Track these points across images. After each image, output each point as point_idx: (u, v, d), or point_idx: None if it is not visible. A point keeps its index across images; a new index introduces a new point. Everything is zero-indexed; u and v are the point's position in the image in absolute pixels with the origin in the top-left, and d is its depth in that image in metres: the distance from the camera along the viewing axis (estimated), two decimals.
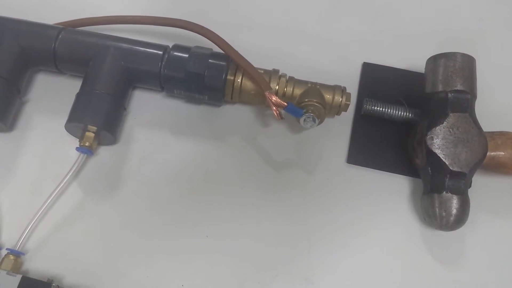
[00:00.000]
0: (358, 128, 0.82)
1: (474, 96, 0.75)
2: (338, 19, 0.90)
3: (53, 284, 0.67)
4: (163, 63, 0.76)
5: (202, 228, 0.74)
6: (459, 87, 0.73)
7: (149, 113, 0.81)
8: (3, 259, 0.68)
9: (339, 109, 0.76)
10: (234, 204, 0.76)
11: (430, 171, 0.73)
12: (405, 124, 0.79)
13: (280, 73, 0.77)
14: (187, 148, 0.79)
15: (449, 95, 0.73)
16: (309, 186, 0.78)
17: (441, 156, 0.71)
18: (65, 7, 0.87)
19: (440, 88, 0.74)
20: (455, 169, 0.71)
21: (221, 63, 0.75)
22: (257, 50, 0.81)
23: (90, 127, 0.72)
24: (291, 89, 0.76)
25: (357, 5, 0.92)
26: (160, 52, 0.76)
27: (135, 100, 0.81)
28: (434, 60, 0.76)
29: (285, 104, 0.71)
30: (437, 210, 0.71)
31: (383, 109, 0.78)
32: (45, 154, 0.77)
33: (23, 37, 0.77)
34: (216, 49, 0.77)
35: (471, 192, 0.73)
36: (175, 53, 0.76)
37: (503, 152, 0.74)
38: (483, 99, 0.77)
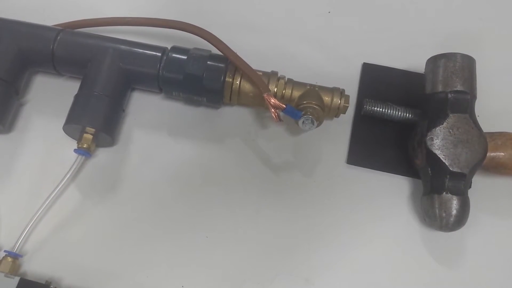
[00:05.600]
0: (358, 128, 0.81)
1: (474, 97, 0.74)
2: (338, 19, 0.90)
3: (51, 286, 0.67)
4: (162, 64, 0.75)
5: (202, 229, 0.74)
6: (459, 87, 0.73)
7: (148, 114, 0.81)
8: (1, 261, 0.68)
9: (337, 111, 0.76)
10: (234, 205, 0.76)
11: (430, 171, 0.73)
12: (405, 125, 0.79)
13: (279, 75, 0.77)
14: (185, 150, 0.79)
15: (449, 95, 0.73)
16: (309, 187, 0.78)
17: (441, 156, 0.71)
18: (63, 8, 0.87)
19: (440, 88, 0.74)
20: (455, 169, 0.71)
21: (219, 65, 0.75)
22: (255, 52, 0.81)
23: (88, 128, 0.72)
24: (290, 91, 0.76)
25: (357, 5, 0.91)
26: (159, 54, 0.76)
27: (133, 102, 0.81)
28: (434, 61, 0.76)
29: (284, 106, 0.71)
30: (437, 210, 0.71)
31: (383, 110, 0.78)
32: (43, 156, 0.77)
33: (21, 39, 0.77)
34: (215, 50, 0.76)
35: (471, 193, 0.73)
36: (174, 55, 0.76)
37: (503, 152, 0.73)
38: (483, 99, 0.77)
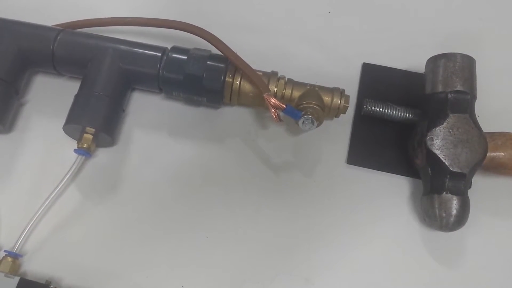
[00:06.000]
0: (358, 128, 0.81)
1: (474, 97, 0.74)
2: (338, 19, 0.90)
3: (51, 286, 0.67)
4: (162, 65, 0.75)
5: (202, 229, 0.74)
6: (459, 87, 0.73)
7: (148, 114, 0.81)
8: (1, 261, 0.68)
9: (337, 111, 0.76)
10: (234, 205, 0.76)
11: (430, 171, 0.73)
12: (405, 125, 0.79)
13: (279, 75, 0.77)
14: (186, 150, 0.79)
15: (449, 95, 0.73)
16: (309, 187, 0.78)
17: (441, 156, 0.71)
18: (63, 8, 0.87)
19: (440, 88, 0.74)
20: (455, 169, 0.71)
21: (219, 65, 0.75)
22: (255, 52, 0.81)
23: (88, 128, 0.72)
24: (290, 91, 0.76)
25: (357, 5, 0.91)
26: (159, 54, 0.76)
27: (133, 102, 0.81)
28: (434, 61, 0.76)
29: (284, 106, 0.71)
30: (437, 210, 0.71)
31: (383, 110, 0.78)
32: (44, 156, 0.77)
33: (21, 39, 0.77)
34: (215, 51, 0.76)
35: (471, 193, 0.73)
36: (174, 55, 0.76)
37: (503, 152, 0.73)
38: (483, 99, 0.77)
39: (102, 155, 0.78)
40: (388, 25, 0.90)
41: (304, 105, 0.74)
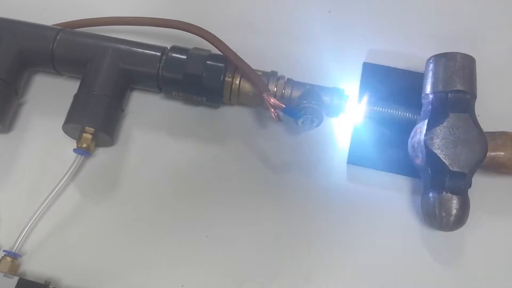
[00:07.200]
0: (358, 128, 0.81)
1: (474, 97, 0.74)
2: (338, 19, 0.90)
3: (51, 286, 0.67)
4: (161, 64, 0.76)
5: (201, 229, 0.74)
6: (459, 87, 0.73)
7: (147, 114, 0.81)
8: (0, 261, 0.68)
9: (337, 111, 0.76)
10: (234, 205, 0.76)
11: (430, 171, 0.73)
12: (406, 124, 0.79)
13: (278, 75, 0.77)
14: (185, 150, 0.79)
15: (449, 95, 0.73)
16: (309, 186, 0.77)
17: (441, 156, 0.71)
18: (63, 8, 0.87)
19: (440, 88, 0.74)
20: (455, 169, 0.71)
21: (219, 64, 0.75)
22: (255, 52, 0.81)
23: (87, 128, 0.72)
24: (290, 91, 0.76)
25: (357, 5, 0.91)
26: (158, 54, 0.76)
27: (133, 101, 0.81)
28: (434, 60, 0.76)
29: (283, 106, 0.71)
30: (437, 210, 0.71)
31: (384, 109, 0.78)
32: (43, 155, 0.77)
33: (21, 38, 0.77)
34: (215, 50, 0.77)
35: (471, 192, 0.72)
36: (173, 55, 0.76)
37: (503, 152, 0.73)
38: (483, 99, 0.77)
39: (102, 154, 0.78)
40: (388, 25, 0.90)
41: (303, 105, 0.73)
